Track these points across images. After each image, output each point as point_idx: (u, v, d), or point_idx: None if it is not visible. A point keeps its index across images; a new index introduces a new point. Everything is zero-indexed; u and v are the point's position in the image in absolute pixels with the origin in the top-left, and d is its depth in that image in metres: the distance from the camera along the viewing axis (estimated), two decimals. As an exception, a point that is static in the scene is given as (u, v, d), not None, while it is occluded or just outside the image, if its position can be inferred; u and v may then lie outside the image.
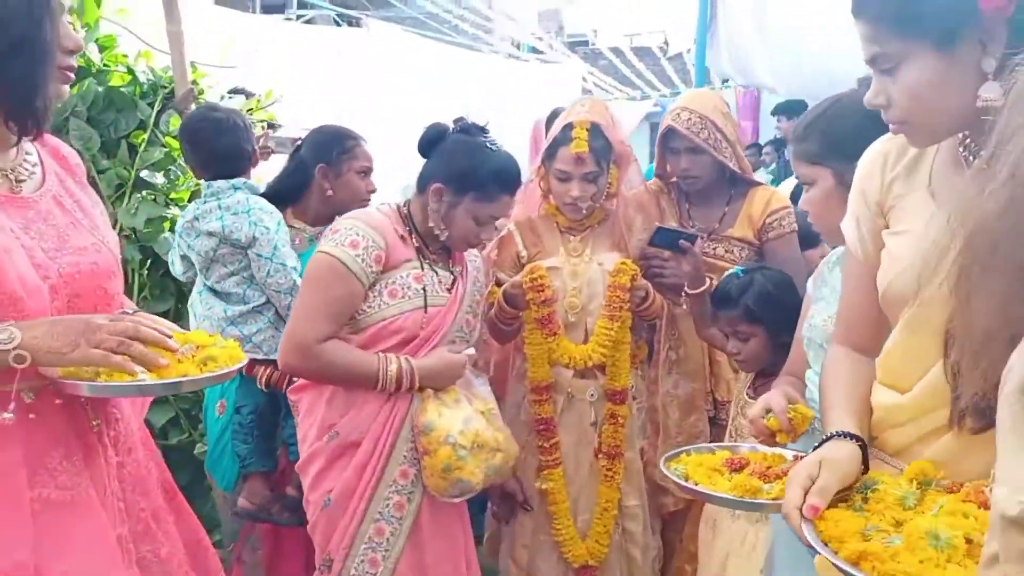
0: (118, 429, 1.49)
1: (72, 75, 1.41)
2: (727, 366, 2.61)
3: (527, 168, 3.15)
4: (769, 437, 1.57)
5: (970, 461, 1.16)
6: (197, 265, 2.58)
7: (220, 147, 2.57)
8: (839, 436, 1.26)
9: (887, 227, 1.35)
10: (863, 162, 1.40)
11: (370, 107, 3.38)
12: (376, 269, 2.02)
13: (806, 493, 1.17)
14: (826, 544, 1.09)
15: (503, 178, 2.10)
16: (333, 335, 2.01)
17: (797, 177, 1.91)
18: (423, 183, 2.13)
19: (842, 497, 1.19)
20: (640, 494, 2.52)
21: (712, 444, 1.74)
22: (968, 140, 1.24)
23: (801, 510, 1.15)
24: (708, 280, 2.43)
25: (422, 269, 2.10)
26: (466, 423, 2.04)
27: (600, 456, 2.45)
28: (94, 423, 1.42)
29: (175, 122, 3.08)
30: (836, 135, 1.72)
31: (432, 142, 2.16)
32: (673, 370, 2.68)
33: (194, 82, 3.22)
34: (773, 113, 6.58)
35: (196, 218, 2.52)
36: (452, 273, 2.20)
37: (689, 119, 2.60)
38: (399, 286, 2.06)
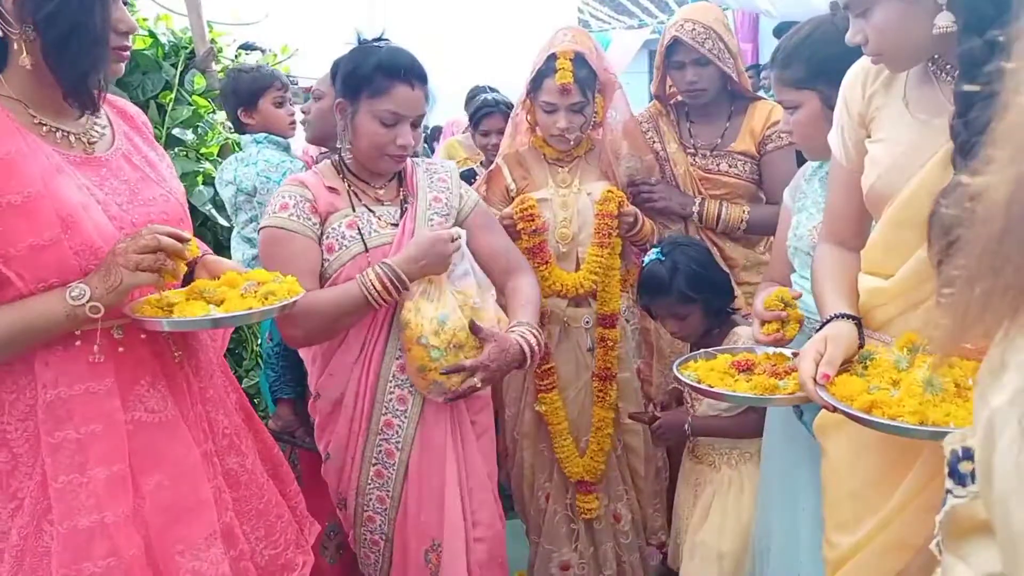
0: (198, 358, 1.61)
1: (126, 54, 1.49)
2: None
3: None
4: (776, 341, 1.67)
5: None
6: (229, 211, 2.79)
7: (225, 110, 2.81)
8: (838, 317, 1.45)
9: (868, 136, 1.51)
10: (846, 79, 1.56)
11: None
12: (315, 220, 1.94)
13: (817, 365, 1.36)
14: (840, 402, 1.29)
15: (389, 66, 1.93)
16: (306, 288, 1.82)
17: (779, 101, 1.95)
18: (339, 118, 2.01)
19: (845, 368, 1.39)
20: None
21: (711, 349, 1.82)
22: (936, 57, 1.41)
23: (815, 379, 1.35)
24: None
25: (354, 211, 1.97)
26: (441, 323, 1.91)
27: (593, 378, 2.49)
28: (176, 354, 1.55)
29: (199, 81, 3.21)
30: (822, 60, 1.80)
31: (334, 74, 2.04)
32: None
33: (212, 41, 3.35)
34: (776, 34, 6.57)
35: (223, 169, 2.77)
36: (404, 206, 2.05)
37: (694, 29, 2.53)
38: (334, 239, 1.95)
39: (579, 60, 2.34)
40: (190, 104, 3.20)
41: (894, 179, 1.41)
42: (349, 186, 2.02)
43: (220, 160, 3.17)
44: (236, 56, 3.51)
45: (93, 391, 1.42)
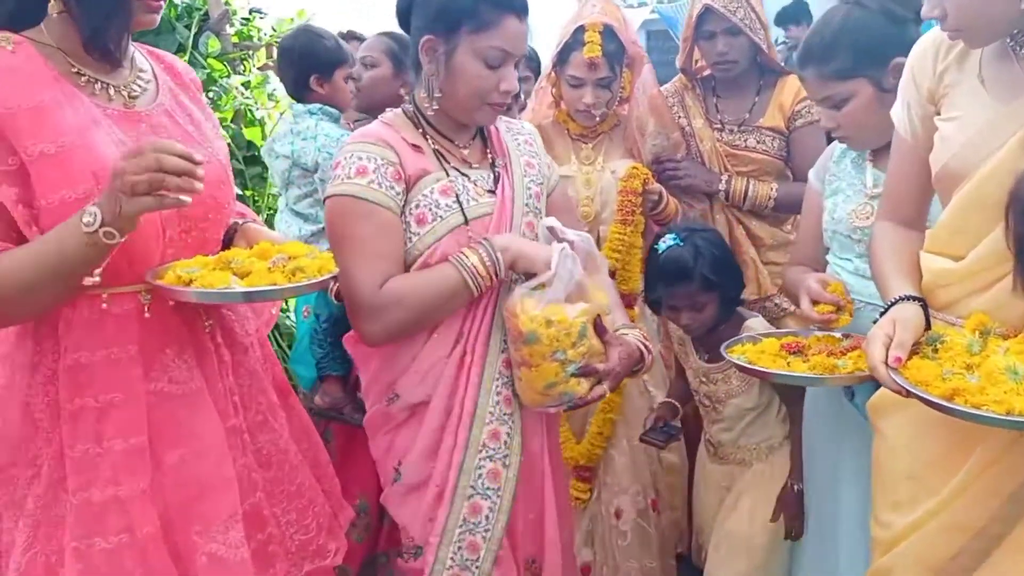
0: (233, 329, 1.53)
1: (158, 4, 1.41)
2: (749, 265, 2.51)
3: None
4: (826, 322, 1.66)
5: (1010, 310, 1.32)
6: (278, 185, 2.68)
7: (290, 70, 2.62)
8: (904, 299, 1.41)
9: (938, 113, 1.44)
10: (915, 53, 1.49)
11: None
12: (400, 188, 1.60)
13: (887, 349, 1.32)
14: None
15: None
16: (391, 274, 1.58)
17: (824, 99, 1.84)
18: (416, 62, 1.67)
19: (914, 351, 1.34)
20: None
21: (754, 334, 1.81)
22: (1016, 33, 1.33)
23: (886, 363, 1.31)
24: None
25: (448, 177, 1.65)
26: (581, 336, 1.59)
27: None
28: (206, 324, 1.46)
29: (213, 44, 3.12)
30: (866, 45, 1.76)
31: (407, 9, 1.68)
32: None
33: (227, 3, 3.26)
34: (778, 23, 6.43)
35: (274, 140, 2.60)
36: (494, 169, 1.74)
37: None
38: (426, 208, 1.61)
39: (608, 33, 2.25)
40: (204, 67, 3.11)
41: (968, 159, 1.34)
42: (431, 144, 1.69)
43: (235, 127, 3.07)
44: (248, 20, 3.41)
45: (115, 358, 1.34)
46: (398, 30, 1.79)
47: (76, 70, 1.35)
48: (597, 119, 2.35)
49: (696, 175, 2.55)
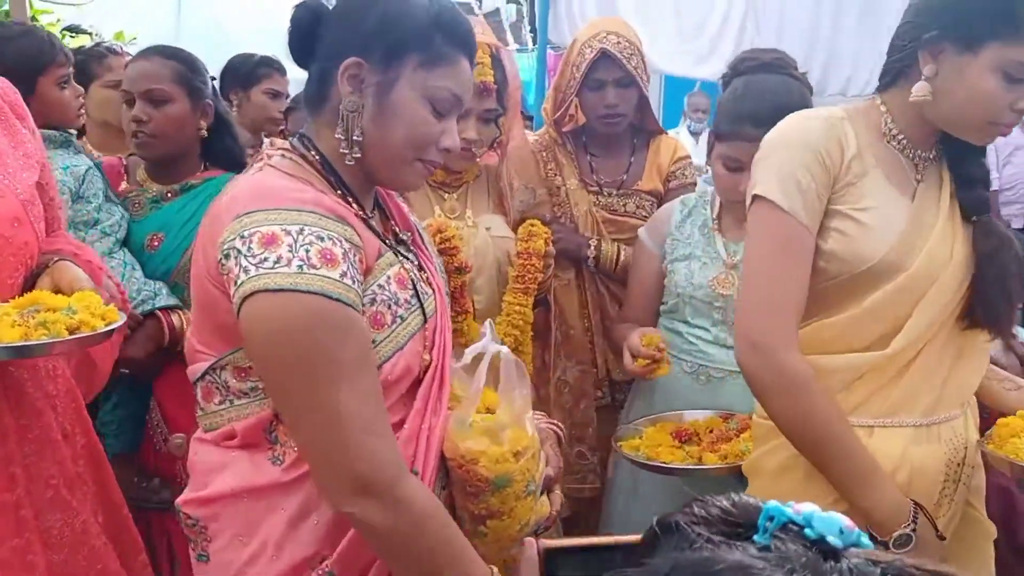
0: (23, 390, 1.34)
1: None
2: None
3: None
4: (646, 373, 1.84)
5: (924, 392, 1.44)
6: None
7: None
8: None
9: (829, 200, 1.42)
10: (821, 139, 1.41)
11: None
12: (361, 281, 1.16)
13: None
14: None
15: (452, 28, 1.21)
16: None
17: (738, 158, 1.79)
18: (320, 93, 1.23)
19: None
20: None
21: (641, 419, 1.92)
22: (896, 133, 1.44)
23: None
24: None
25: (399, 261, 1.23)
26: (540, 452, 1.29)
27: None
28: None
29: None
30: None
31: (309, 28, 1.22)
32: (561, 353, 2.26)
33: (34, 18, 2.82)
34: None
35: None
36: (411, 249, 1.33)
37: (619, 43, 2.16)
38: (384, 305, 1.18)
39: (496, 59, 1.88)
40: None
41: (905, 251, 1.40)
42: (357, 211, 1.23)
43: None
44: (63, 39, 2.95)
45: None
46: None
47: None
48: (475, 160, 1.94)
49: (566, 238, 2.23)
